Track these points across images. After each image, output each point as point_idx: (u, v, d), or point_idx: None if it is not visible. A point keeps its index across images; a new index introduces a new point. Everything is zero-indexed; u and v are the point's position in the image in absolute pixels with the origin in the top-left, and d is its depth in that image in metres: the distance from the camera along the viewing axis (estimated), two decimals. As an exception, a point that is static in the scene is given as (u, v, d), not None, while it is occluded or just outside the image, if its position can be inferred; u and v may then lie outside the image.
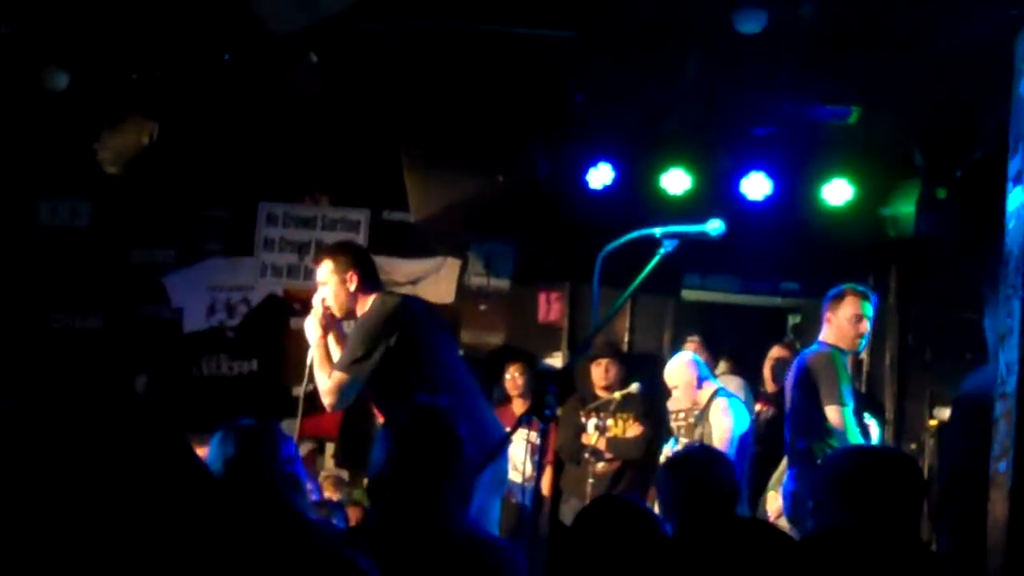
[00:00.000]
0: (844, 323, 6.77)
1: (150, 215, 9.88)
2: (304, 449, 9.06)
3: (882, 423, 7.98)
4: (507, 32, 7.51)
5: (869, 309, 6.82)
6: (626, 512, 3.51)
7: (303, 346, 9.93)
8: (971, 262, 8.30)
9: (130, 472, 1.77)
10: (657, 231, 5.25)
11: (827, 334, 6.79)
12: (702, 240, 5.43)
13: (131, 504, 1.75)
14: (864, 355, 9.23)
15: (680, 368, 8.00)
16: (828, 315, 6.84)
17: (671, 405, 8.74)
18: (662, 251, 5.26)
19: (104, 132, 8.65)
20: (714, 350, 9.10)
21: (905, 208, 8.80)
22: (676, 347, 9.56)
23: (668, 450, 8.01)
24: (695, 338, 8.98)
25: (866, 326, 6.81)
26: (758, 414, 8.63)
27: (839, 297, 6.85)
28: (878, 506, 3.54)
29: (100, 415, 1.82)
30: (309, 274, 9.98)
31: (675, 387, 8.01)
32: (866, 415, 7.21)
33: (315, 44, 7.40)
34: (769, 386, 8.91)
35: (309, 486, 8.61)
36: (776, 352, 9.05)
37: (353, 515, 7.99)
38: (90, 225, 9.93)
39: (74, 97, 8.22)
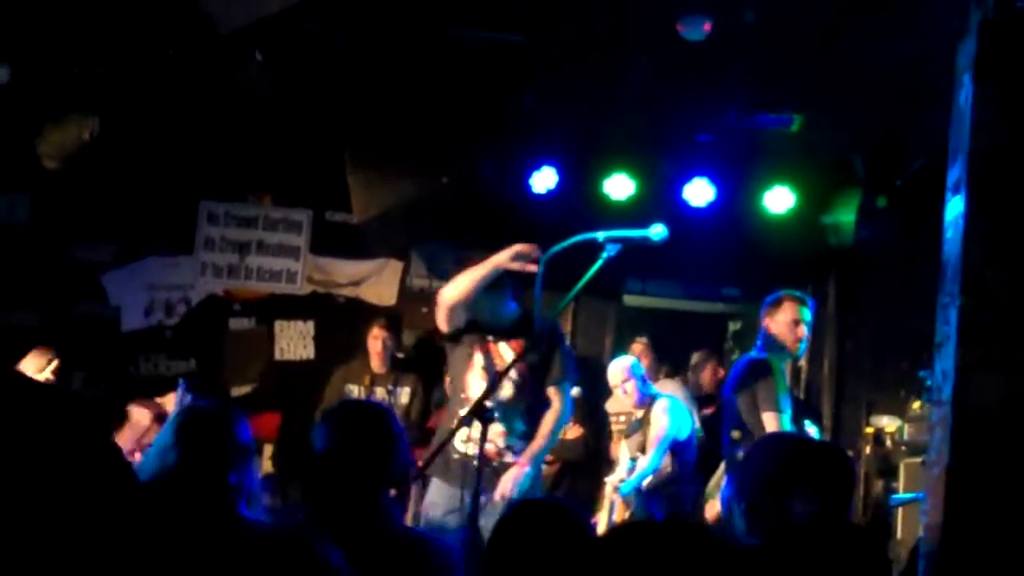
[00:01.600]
0: (783, 328, 6.78)
1: (90, 212, 9.76)
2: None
3: (820, 430, 8.03)
4: (453, 34, 7.49)
5: (807, 314, 6.83)
6: (550, 514, 3.49)
7: (241, 346, 10.04)
8: (910, 270, 8.39)
9: (50, 469, 1.74)
10: (600, 235, 5.29)
11: (765, 340, 6.83)
12: (644, 245, 5.47)
13: (50, 501, 1.73)
14: (803, 362, 9.31)
15: (617, 371, 8.13)
16: (766, 321, 6.85)
17: (610, 407, 8.78)
18: (604, 255, 5.30)
19: (45, 127, 8.55)
20: (656, 354, 9.15)
21: (846, 216, 8.88)
22: (617, 351, 9.59)
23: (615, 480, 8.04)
24: (642, 339, 9.01)
25: (804, 330, 6.80)
26: (704, 418, 8.70)
27: (777, 303, 6.87)
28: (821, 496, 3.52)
29: (23, 410, 1.79)
30: (250, 274, 9.96)
31: (615, 387, 8.15)
32: (807, 422, 7.25)
33: (261, 42, 7.35)
34: (705, 389, 8.98)
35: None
36: (703, 357, 9.15)
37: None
38: (29, 221, 9.80)
39: (15, 91, 8.10)
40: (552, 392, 6.45)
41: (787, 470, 3.61)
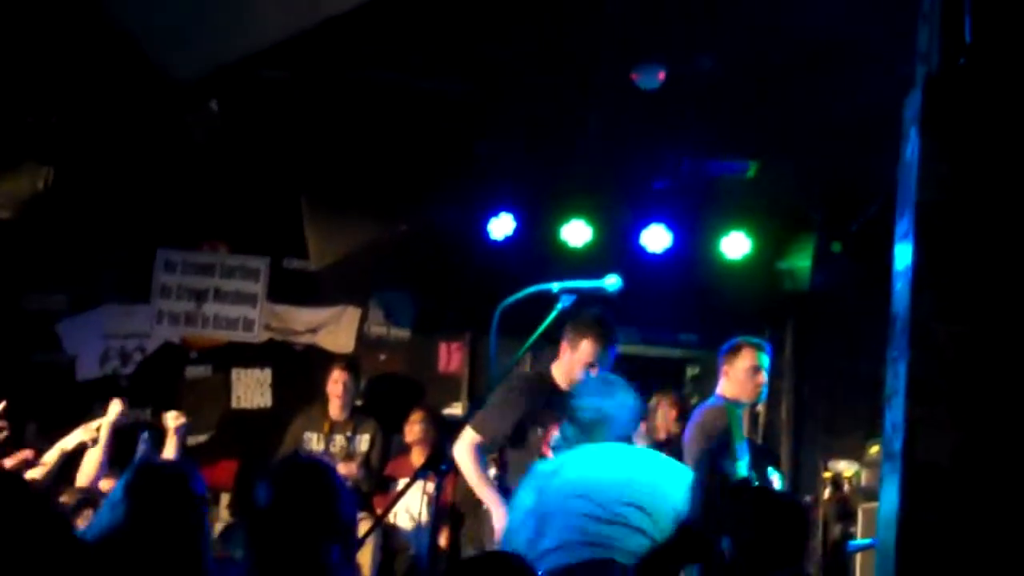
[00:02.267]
0: (741, 375, 6.79)
1: (44, 260, 9.67)
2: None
3: (782, 476, 8.02)
4: (411, 83, 7.51)
5: (765, 360, 6.84)
6: (507, 568, 3.47)
7: (198, 394, 9.96)
8: (866, 315, 8.43)
9: None
10: (555, 286, 5.28)
11: (724, 387, 6.82)
12: (599, 295, 5.47)
13: None
14: (761, 407, 9.31)
15: None
16: (725, 368, 6.86)
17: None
18: (560, 306, 5.29)
19: (-1, 175, 8.51)
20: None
21: (801, 262, 8.93)
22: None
23: None
24: None
25: (763, 377, 6.82)
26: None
27: (735, 350, 6.87)
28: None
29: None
30: (207, 321, 9.89)
31: None
32: (770, 469, 7.25)
33: (217, 90, 7.34)
34: (660, 435, 8.95)
35: None
36: (657, 400, 9.13)
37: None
38: (-18, 269, 9.72)
39: (-32, 141, 8.08)
40: None
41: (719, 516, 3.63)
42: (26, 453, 7.20)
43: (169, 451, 7.80)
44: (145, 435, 7.43)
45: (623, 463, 5.36)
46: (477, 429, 6.13)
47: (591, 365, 6.16)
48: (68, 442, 7.35)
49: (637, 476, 5.20)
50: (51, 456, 7.20)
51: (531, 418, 6.18)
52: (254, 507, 3.52)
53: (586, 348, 6.16)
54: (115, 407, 7.57)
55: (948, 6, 3.75)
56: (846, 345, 8.97)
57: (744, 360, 6.80)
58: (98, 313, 9.89)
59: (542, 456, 6.04)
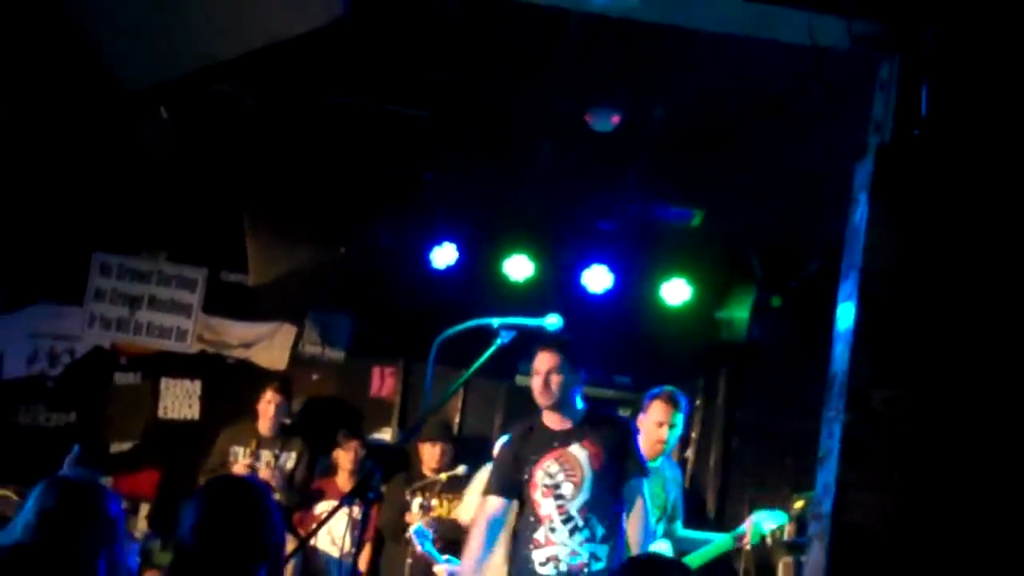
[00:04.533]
0: (649, 427, 6.95)
1: (-24, 255, 9.55)
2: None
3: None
4: (361, 105, 7.49)
5: (677, 417, 6.94)
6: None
7: (125, 401, 9.83)
8: (799, 371, 8.49)
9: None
10: (495, 322, 5.27)
11: (640, 436, 6.86)
12: (540, 333, 5.47)
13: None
14: (690, 454, 9.36)
15: None
16: (640, 416, 6.99)
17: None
18: (498, 342, 5.28)
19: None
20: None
21: (739, 313, 8.98)
22: (505, 431, 9.56)
23: None
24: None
25: (665, 433, 6.91)
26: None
27: (650, 401, 7.03)
28: None
29: None
30: (139, 328, 9.79)
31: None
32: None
33: (167, 100, 7.29)
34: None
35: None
36: None
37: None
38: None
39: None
40: (633, 487, 6.14)
41: None
42: None
43: None
44: (76, 450, 7.29)
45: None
46: None
47: None
48: None
49: None
50: None
51: None
52: (182, 526, 3.47)
53: None
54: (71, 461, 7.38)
55: (905, 77, 3.80)
56: (778, 399, 9.02)
57: (653, 413, 6.98)
58: (29, 312, 9.76)
59: None
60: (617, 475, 6.10)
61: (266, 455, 8.69)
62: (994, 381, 3.66)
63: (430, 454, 8.56)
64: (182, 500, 7.93)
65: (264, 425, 8.79)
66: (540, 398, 6.25)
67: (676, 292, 9.00)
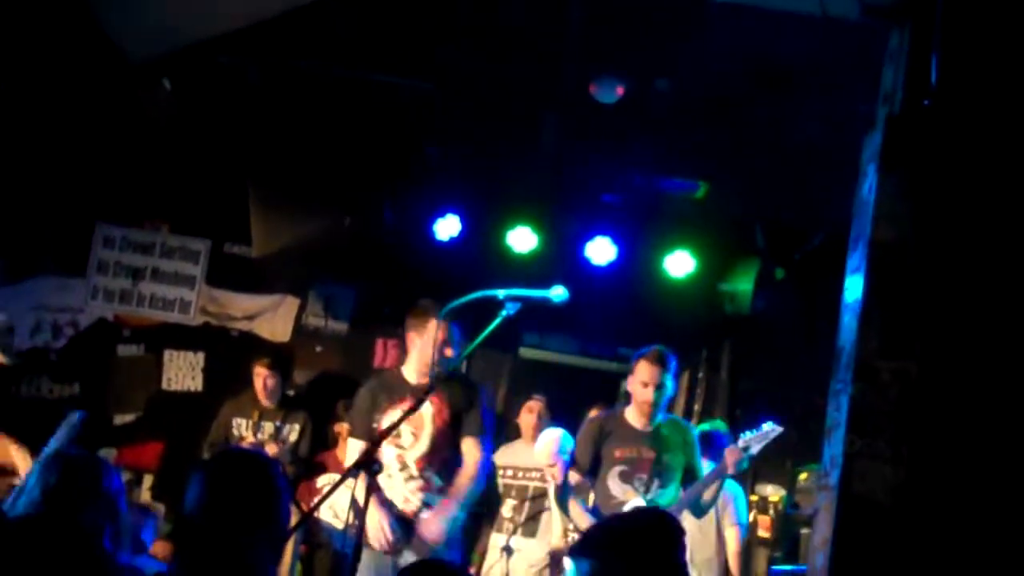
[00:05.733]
0: (636, 387, 6.54)
1: (-21, 226, 9.54)
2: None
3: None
4: (366, 78, 7.47)
5: (664, 377, 6.46)
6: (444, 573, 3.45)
7: (128, 373, 9.84)
8: (802, 343, 8.50)
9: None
10: (500, 293, 5.23)
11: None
12: (545, 304, 5.44)
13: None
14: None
15: (544, 452, 7.75)
16: (628, 378, 6.67)
17: (499, 459, 8.68)
18: (504, 313, 5.24)
19: (-59, 139, 8.36)
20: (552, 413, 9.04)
21: (743, 285, 8.97)
22: (511, 403, 9.57)
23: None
24: (540, 398, 8.84)
25: (651, 394, 6.44)
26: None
27: (636, 361, 6.57)
28: None
29: None
30: (142, 300, 9.79)
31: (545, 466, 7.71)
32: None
33: (171, 71, 7.26)
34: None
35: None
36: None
37: (162, 551, 7.85)
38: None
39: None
40: (470, 443, 6.29)
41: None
42: None
43: None
44: (76, 417, 7.25)
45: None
46: None
47: None
48: None
49: None
50: None
51: None
52: (188, 499, 3.47)
53: None
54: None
55: (916, 47, 3.78)
56: (781, 371, 9.02)
57: (637, 372, 6.54)
58: (32, 284, 9.76)
59: None
60: (456, 431, 6.28)
61: (268, 426, 8.69)
62: (1004, 353, 3.65)
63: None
64: (185, 472, 7.98)
65: (262, 397, 8.79)
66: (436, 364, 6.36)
67: (680, 264, 8.98)
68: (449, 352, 6.27)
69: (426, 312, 6.33)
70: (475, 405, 6.36)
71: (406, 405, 6.14)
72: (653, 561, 3.36)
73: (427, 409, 6.26)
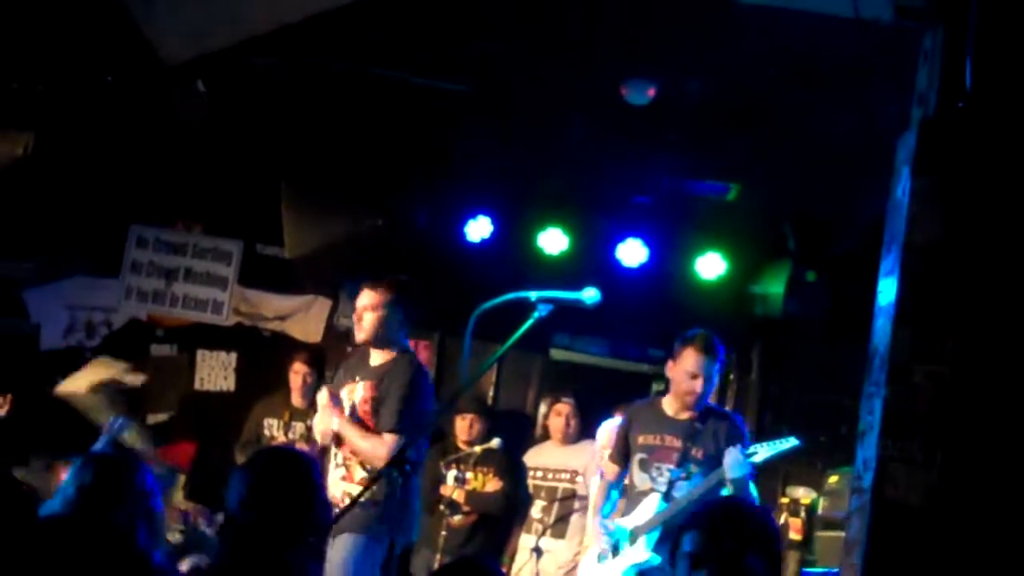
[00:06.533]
0: (679, 376, 6.28)
1: (17, 227, 9.58)
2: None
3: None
4: (398, 78, 7.49)
5: (710, 368, 6.25)
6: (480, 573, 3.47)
7: (161, 373, 9.89)
8: (834, 346, 8.47)
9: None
10: (532, 295, 5.24)
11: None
12: (578, 306, 5.44)
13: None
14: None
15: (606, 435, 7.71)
16: (669, 363, 6.40)
17: (529, 460, 8.69)
18: (536, 315, 5.25)
19: (-21, 141, 8.44)
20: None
21: (774, 288, 8.94)
22: (541, 405, 9.58)
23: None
24: (569, 400, 8.80)
25: (699, 386, 6.20)
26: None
27: (681, 347, 6.31)
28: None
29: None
30: (175, 301, 9.84)
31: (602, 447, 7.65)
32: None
33: (204, 73, 7.30)
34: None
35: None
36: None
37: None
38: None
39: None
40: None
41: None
42: None
43: None
44: (117, 423, 7.30)
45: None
46: None
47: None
48: None
49: None
50: None
51: None
52: (230, 498, 3.50)
53: None
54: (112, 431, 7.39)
55: (950, 48, 3.77)
56: (811, 374, 9.00)
57: (684, 362, 6.29)
58: (67, 284, 9.83)
59: None
60: (375, 422, 6.13)
61: (299, 426, 8.72)
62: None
63: (463, 427, 8.57)
64: (218, 471, 8.02)
65: (296, 396, 8.83)
66: (356, 333, 6.38)
67: (711, 266, 8.97)
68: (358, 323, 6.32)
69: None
70: (396, 395, 6.13)
71: (352, 385, 6.26)
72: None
73: (358, 392, 6.24)
